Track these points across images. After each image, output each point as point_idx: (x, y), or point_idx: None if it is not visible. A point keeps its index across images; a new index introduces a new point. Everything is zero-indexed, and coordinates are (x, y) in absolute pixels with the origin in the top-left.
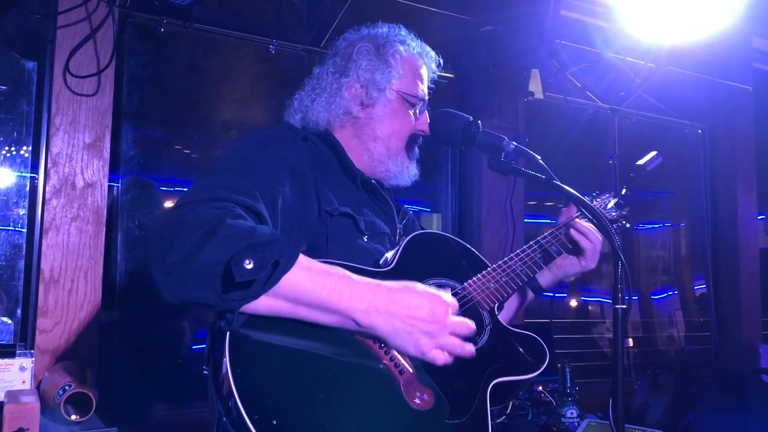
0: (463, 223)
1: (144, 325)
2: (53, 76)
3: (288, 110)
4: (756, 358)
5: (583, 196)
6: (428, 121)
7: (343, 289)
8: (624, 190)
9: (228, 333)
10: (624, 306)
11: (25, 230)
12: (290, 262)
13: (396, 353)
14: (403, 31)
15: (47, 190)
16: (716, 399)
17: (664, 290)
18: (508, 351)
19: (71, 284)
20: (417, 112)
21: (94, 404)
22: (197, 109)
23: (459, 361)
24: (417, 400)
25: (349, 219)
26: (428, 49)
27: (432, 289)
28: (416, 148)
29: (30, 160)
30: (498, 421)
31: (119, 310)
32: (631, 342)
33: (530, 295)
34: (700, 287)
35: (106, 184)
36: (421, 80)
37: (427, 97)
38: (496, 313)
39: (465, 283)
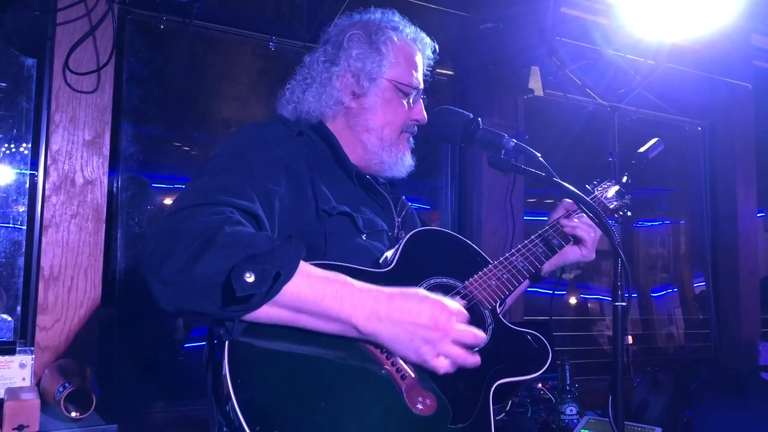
0: (463, 221)
1: (144, 323)
2: (53, 73)
3: (280, 101)
4: (755, 356)
5: (582, 193)
6: (423, 109)
7: (344, 297)
8: (625, 178)
9: (226, 343)
10: (624, 303)
11: (24, 227)
12: (291, 273)
13: (398, 358)
14: (397, 17)
15: (47, 187)
16: (716, 396)
17: (663, 287)
18: (510, 351)
19: (71, 281)
20: (411, 101)
21: (94, 402)
22: (197, 106)
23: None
24: (419, 406)
25: (347, 218)
26: (423, 35)
27: (435, 296)
28: (411, 138)
29: (29, 157)
30: (497, 418)
31: (119, 308)
32: (630, 339)
33: (526, 282)
34: (700, 284)
35: (105, 181)
36: (416, 68)
37: (421, 85)
38: (498, 310)
39: (466, 282)
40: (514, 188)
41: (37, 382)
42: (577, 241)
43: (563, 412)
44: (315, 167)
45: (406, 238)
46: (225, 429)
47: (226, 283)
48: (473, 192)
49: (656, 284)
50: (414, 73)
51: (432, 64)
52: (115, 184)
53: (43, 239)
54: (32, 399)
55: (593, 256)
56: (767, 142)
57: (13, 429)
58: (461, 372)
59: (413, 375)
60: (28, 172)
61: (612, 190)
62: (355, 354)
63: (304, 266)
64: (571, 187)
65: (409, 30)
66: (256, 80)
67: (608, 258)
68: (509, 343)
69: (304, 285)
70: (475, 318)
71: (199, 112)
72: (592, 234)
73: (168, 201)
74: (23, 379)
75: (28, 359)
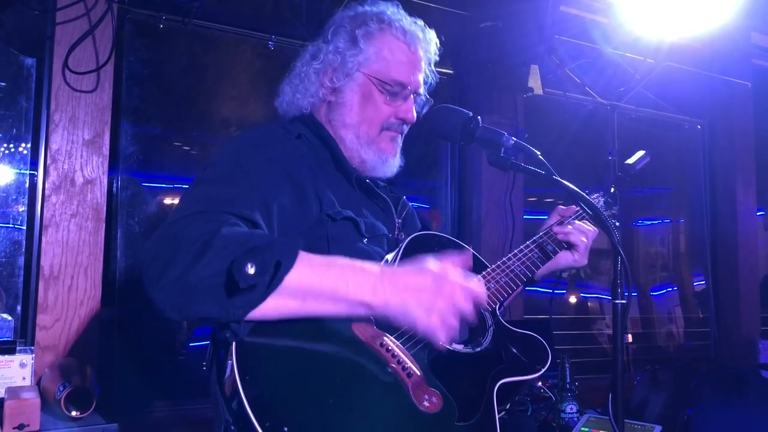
0: (463, 220)
1: (144, 322)
2: (52, 72)
3: (276, 96)
4: (755, 354)
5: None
6: (413, 108)
7: (348, 276)
8: (613, 189)
9: (234, 342)
10: (624, 301)
11: (24, 227)
12: (291, 261)
13: (403, 356)
14: (391, 10)
15: (47, 186)
16: (715, 394)
17: (663, 286)
18: (511, 351)
19: (71, 281)
20: (395, 97)
21: (95, 401)
22: (196, 105)
23: (465, 361)
24: (426, 403)
25: (350, 222)
26: (417, 30)
27: (431, 264)
28: (399, 138)
29: (29, 156)
30: (498, 416)
31: (119, 307)
32: (630, 338)
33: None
34: (700, 283)
35: (105, 180)
36: (405, 64)
37: (413, 83)
38: (498, 313)
39: None
40: (513, 187)
41: (38, 382)
42: (570, 246)
43: (563, 410)
44: (316, 170)
45: (406, 242)
46: (233, 427)
47: (228, 281)
48: (473, 191)
49: (656, 283)
50: (401, 69)
51: (432, 60)
52: (114, 184)
53: (43, 239)
54: (32, 398)
55: (585, 261)
56: (767, 141)
57: (14, 428)
58: (465, 371)
59: (419, 373)
60: (27, 171)
61: (600, 201)
62: (361, 352)
63: (304, 254)
64: (571, 185)
65: (403, 23)
66: (256, 79)
67: (608, 257)
68: (510, 344)
69: (306, 271)
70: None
71: (198, 111)
72: (583, 239)
73: (167, 201)
74: (23, 378)
75: (28, 358)
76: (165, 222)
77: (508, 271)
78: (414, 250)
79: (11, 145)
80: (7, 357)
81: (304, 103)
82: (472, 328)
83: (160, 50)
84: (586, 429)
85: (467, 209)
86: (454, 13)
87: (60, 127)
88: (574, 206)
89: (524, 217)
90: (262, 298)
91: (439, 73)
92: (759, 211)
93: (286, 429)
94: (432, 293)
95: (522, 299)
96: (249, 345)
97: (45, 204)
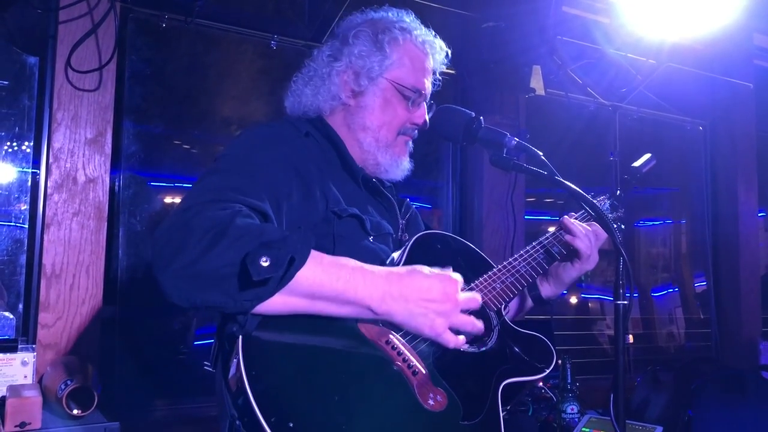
0: (464, 220)
1: (145, 321)
2: (55, 71)
3: (286, 92)
4: (756, 355)
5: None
6: (426, 114)
7: (357, 279)
8: (618, 192)
9: (240, 337)
10: (625, 302)
11: (26, 225)
12: (304, 258)
13: (409, 354)
14: (409, 18)
15: (49, 185)
16: (716, 395)
17: (664, 287)
18: (516, 352)
19: (73, 279)
20: (412, 103)
21: (96, 399)
22: (198, 104)
23: (470, 361)
24: (431, 401)
25: (356, 220)
26: (435, 39)
27: (438, 270)
28: (410, 142)
29: (32, 155)
30: (502, 416)
31: (121, 306)
32: (631, 338)
33: (530, 303)
34: (701, 284)
35: (107, 179)
36: (422, 71)
37: (426, 90)
38: (503, 313)
39: (472, 284)
40: (515, 187)
41: (39, 380)
42: (573, 254)
43: (564, 410)
44: (324, 167)
45: (412, 241)
46: (238, 422)
47: (241, 272)
48: (474, 191)
49: (657, 284)
50: (418, 75)
51: (441, 70)
52: (116, 183)
53: (45, 237)
54: (34, 396)
55: (592, 266)
56: None
57: (15, 426)
58: (470, 370)
59: (424, 371)
60: (30, 170)
61: (606, 204)
62: (366, 350)
63: (315, 253)
64: (573, 186)
65: (420, 32)
66: (257, 79)
67: (609, 258)
68: (515, 345)
69: (318, 270)
70: (482, 319)
71: (200, 110)
72: (587, 243)
73: (169, 199)
74: (25, 376)
75: (29, 357)
76: (176, 208)
77: (513, 271)
78: (420, 249)
79: (14, 144)
80: (8, 355)
81: (325, 105)
82: None
83: (163, 49)
84: (587, 429)
85: (468, 209)
86: (456, 14)
87: (62, 125)
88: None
89: (525, 217)
90: (273, 292)
91: (441, 73)
92: (760, 212)
93: (291, 424)
94: (440, 303)
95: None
96: (256, 340)
97: (47, 202)
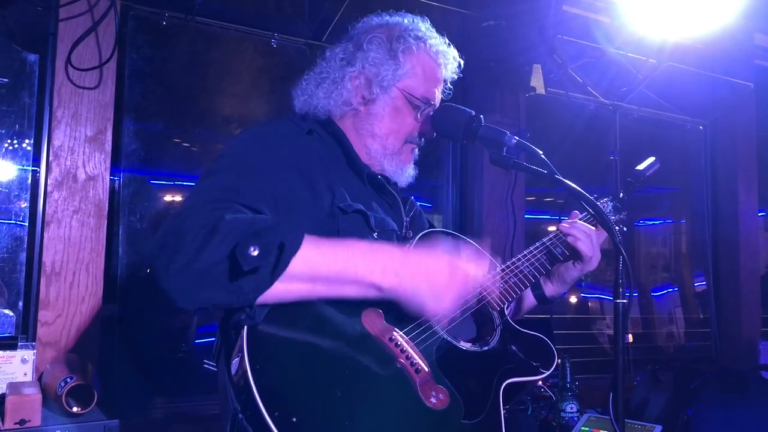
0: (464, 219)
1: (145, 318)
2: (55, 68)
3: (295, 90)
4: (755, 355)
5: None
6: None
7: (357, 257)
8: (621, 194)
9: (245, 329)
10: (625, 301)
11: (26, 223)
12: (296, 243)
13: (412, 352)
14: (424, 26)
15: (49, 183)
16: (716, 395)
17: (664, 287)
18: (518, 352)
19: (73, 277)
20: (421, 113)
21: (96, 397)
22: (198, 103)
23: (473, 360)
24: (433, 399)
25: (361, 216)
26: (447, 48)
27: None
28: (416, 150)
29: (32, 152)
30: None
31: (120, 303)
32: (630, 338)
33: (532, 302)
34: (701, 284)
35: (107, 177)
36: (433, 82)
37: (436, 100)
38: (506, 313)
39: None
40: (515, 186)
41: (39, 377)
42: (575, 255)
43: (563, 409)
44: (328, 164)
45: (417, 238)
46: (241, 416)
47: (233, 265)
48: (474, 190)
49: (657, 283)
50: (430, 86)
51: (454, 79)
52: (116, 181)
53: (45, 235)
54: (34, 394)
55: (594, 266)
56: None
57: (15, 423)
58: (473, 369)
59: (427, 369)
60: (30, 168)
61: (609, 207)
62: (370, 347)
63: (310, 237)
64: (573, 185)
65: (435, 42)
66: (258, 77)
67: (609, 257)
68: (517, 345)
69: (314, 253)
70: (484, 319)
71: (200, 108)
72: (589, 245)
73: (169, 197)
74: (25, 374)
75: (29, 354)
76: (172, 214)
77: (517, 271)
78: (425, 246)
79: (14, 141)
80: (8, 353)
81: (336, 109)
82: (480, 327)
83: (163, 47)
84: (586, 428)
85: (469, 208)
86: (457, 12)
87: (62, 123)
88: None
89: (525, 216)
90: (270, 281)
91: None
92: (760, 211)
93: (294, 419)
94: (444, 278)
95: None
96: (260, 334)
97: (47, 200)
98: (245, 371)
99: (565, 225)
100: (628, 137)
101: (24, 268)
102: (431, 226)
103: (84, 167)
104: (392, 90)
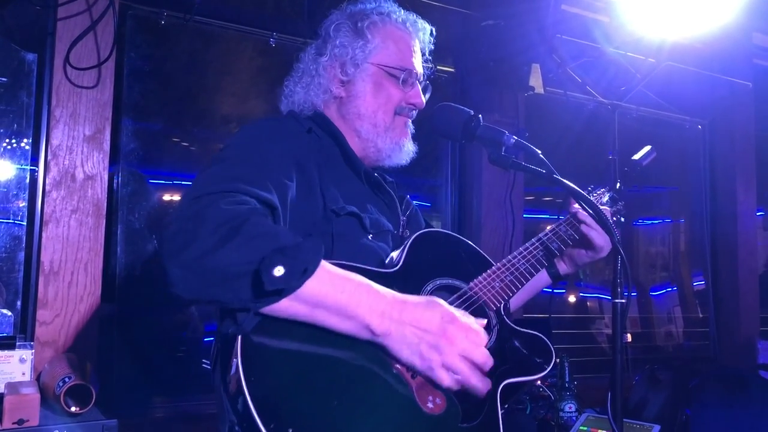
0: (463, 219)
1: (144, 318)
2: (53, 68)
3: (280, 97)
4: (754, 354)
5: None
6: (421, 93)
7: (361, 295)
8: (619, 185)
9: (239, 338)
10: (623, 300)
11: (24, 222)
12: (315, 269)
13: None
14: (387, 3)
15: (47, 182)
16: (714, 394)
17: (663, 286)
18: (515, 352)
19: (71, 276)
20: (404, 83)
21: (94, 396)
22: (197, 102)
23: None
24: (429, 404)
25: (354, 218)
26: (416, 18)
27: (451, 307)
28: (410, 123)
29: (30, 152)
30: (501, 417)
31: (119, 303)
32: (629, 337)
33: (547, 280)
34: (699, 283)
35: (106, 176)
36: (407, 50)
37: (417, 69)
38: (503, 313)
39: (471, 283)
40: (514, 186)
41: (37, 377)
42: (585, 243)
43: (562, 409)
44: (324, 164)
45: (411, 239)
46: (237, 428)
47: (253, 275)
48: (473, 189)
49: (656, 283)
50: (405, 55)
51: (431, 48)
52: (115, 180)
53: (44, 234)
54: (32, 393)
55: (605, 254)
56: (767, 141)
57: (13, 423)
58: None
59: None
60: (28, 167)
61: (605, 197)
62: (366, 353)
63: (325, 263)
64: (572, 184)
65: (399, 14)
66: (257, 76)
67: (607, 257)
68: (514, 344)
69: (325, 280)
70: (481, 317)
71: (199, 108)
72: (601, 234)
73: (167, 197)
74: (23, 373)
75: (27, 354)
76: (185, 196)
77: (513, 269)
78: (419, 248)
79: (12, 141)
80: (6, 352)
81: (318, 99)
82: None
83: (162, 46)
84: (585, 428)
85: (467, 208)
86: (456, 12)
87: (61, 122)
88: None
89: (524, 216)
90: (279, 299)
91: (441, 71)
92: (759, 211)
93: (290, 430)
94: (435, 336)
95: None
96: (254, 344)
97: (45, 199)
98: (240, 383)
99: (580, 212)
100: (627, 136)
101: (22, 268)
102: (428, 225)
103: (82, 166)
104: (367, 67)
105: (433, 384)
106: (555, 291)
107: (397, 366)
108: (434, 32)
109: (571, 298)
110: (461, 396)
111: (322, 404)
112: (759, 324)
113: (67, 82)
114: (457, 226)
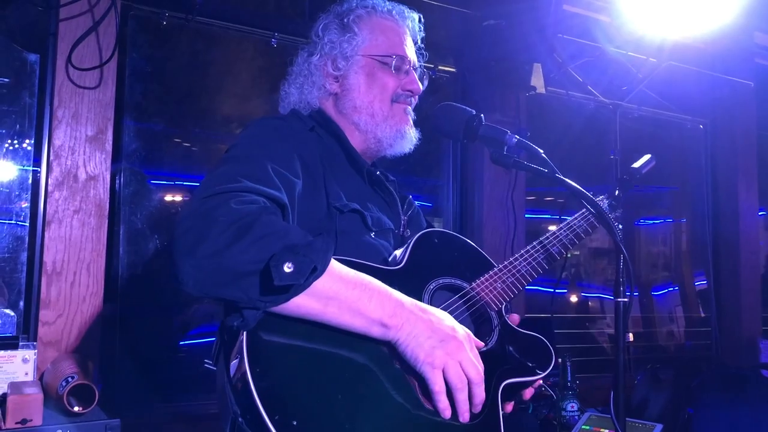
0: (465, 218)
1: (146, 318)
2: (56, 68)
3: (281, 101)
4: (756, 353)
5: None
6: (416, 79)
7: (373, 292)
8: (617, 192)
9: (245, 332)
10: (625, 299)
11: (27, 223)
12: (325, 268)
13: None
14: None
15: (49, 182)
16: (716, 394)
17: (664, 286)
18: (516, 352)
19: (74, 277)
20: (397, 70)
21: (97, 396)
22: (199, 102)
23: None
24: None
25: (357, 215)
26: (402, 7)
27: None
28: (410, 110)
29: (32, 152)
30: (502, 416)
31: (121, 303)
32: (631, 337)
33: None
34: (701, 282)
35: (108, 176)
36: (397, 38)
37: (408, 55)
38: (504, 313)
39: (473, 283)
40: (515, 185)
41: (40, 377)
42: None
43: (564, 408)
44: (327, 162)
45: (414, 238)
46: (240, 419)
47: (263, 272)
48: (475, 189)
49: (657, 282)
50: (394, 43)
51: (422, 37)
52: (117, 180)
53: (46, 235)
54: (35, 393)
55: None
56: None
57: (16, 423)
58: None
59: None
60: (30, 167)
61: (605, 204)
62: (370, 348)
63: (335, 262)
64: (574, 184)
65: (384, 5)
66: (258, 77)
67: (608, 256)
68: (515, 345)
69: (335, 277)
70: (483, 319)
71: (200, 108)
72: None
73: (169, 197)
74: (26, 373)
75: (30, 354)
76: (196, 195)
77: (514, 271)
78: (423, 247)
79: (15, 141)
80: (9, 352)
81: (313, 98)
82: (478, 328)
83: (163, 47)
84: (587, 427)
85: (469, 208)
86: (457, 11)
87: (63, 123)
88: None
89: (526, 216)
90: (289, 297)
91: (442, 71)
92: (761, 210)
93: (295, 423)
94: (446, 335)
95: (523, 297)
96: (260, 337)
97: (48, 200)
98: (245, 374)
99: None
100: (628, 136)
101: (25, 268)
102: (429, 225)
103: (84, 167)
104: (357, 59)
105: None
106: (557, 291)
107: (401, 363)
108: (422, 19)
109: (573, 298)
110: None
111: (327, 398)
112: (761, 323)
113: (70, 83)
114: (458, 226)
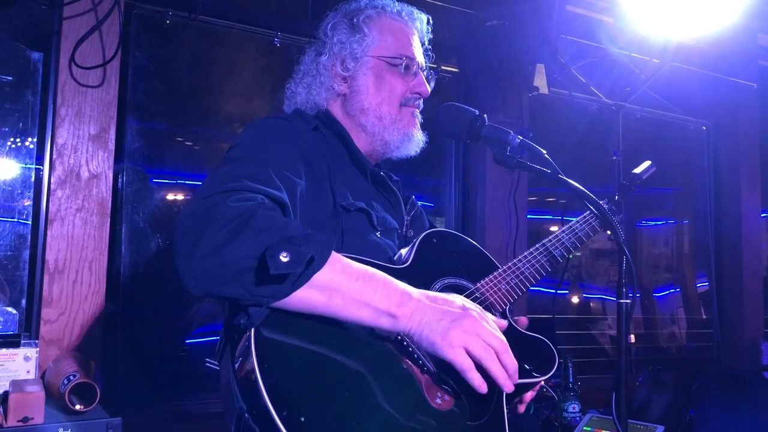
0: (467, 219)
1: (148, 317)
2: (59, 67)
3: (283, 100)
4: (758, 355)
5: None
6: (425, 82)
7: (378, 282)
8: (617, 197)
9: (252, 329)
10: (628, 301)
11: (29, 221)
12: (324, 259)
13: (419, 352)
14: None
15: (52, 181)
16: (718, 395)
17: (666, 287)
18: (520, 353)
19: (76, 275)
20: (405, 71)
21: (99, 395)
22: (201, 101)
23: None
24: (438, 400)
25: (363, 214)
26: (411, 8)
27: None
28: (418, 113)
29: (35, 151)
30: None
31: (123, 301)
32: (632, 338)
33: None
34: (703, 284)
35: (110, 175)
36: (406, 39)
37: (416, 57)
38: (508, 315)
39: (478, 284)
40: (518, 186)
41: (42, 375)
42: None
43: (566, 409)
44: (331, 162)
45: (420, 238)
46: (247, 415)
47: (260, 265)
48: (477, 189)
49: (659, 284)
50: (403, 44)
51: (430, 38)
52: (120, 179)
53: (48, 233)
54: (37, 391)
55: None
56: None
57: (18, 421)
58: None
59: (433, 370)
60: (33, 166)
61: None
62: (378, 346)
63: (337, 255)
64: (577, 185)
65: (394, 6)
66: (261, 76)
67: (610, 257)
68: (519, 347)
69: (338, 269)
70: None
71: (203, 107)
72: None
73: (171, 196)
74: (28, 371)
75: (32, 352)
76: (196, 196)
77: (518, 273)
78: (428, 246)
79: (17, 140)
80: (11, 350)
81: (320, 99)
82: None
83: (166, 46)
84: (589, 428)
85: (471, 208)
86: (460, 12)
87: (66, 121)
88: None
89: (528, 216)
90: (290, 291)
91: (445, 71)
92: (763, 212)
93: (303, 419)
94: (459, 314)
95: (526, 298)
96: (268, 333)
97: (50, 198)
98: (253, 370)
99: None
100: (631, 137)
101: (27, 266)
102: (432, 226)
103: (87, 165)
104: (367, 60)
105: (448, 371)
106: (558, 292)
107: (408, 361)
108: (431, 21)
109: (575, 299)
110: (468, 394)
111: (334, 394)
112: (763, 325)
113: (73, 81)
114: (460, 227)
